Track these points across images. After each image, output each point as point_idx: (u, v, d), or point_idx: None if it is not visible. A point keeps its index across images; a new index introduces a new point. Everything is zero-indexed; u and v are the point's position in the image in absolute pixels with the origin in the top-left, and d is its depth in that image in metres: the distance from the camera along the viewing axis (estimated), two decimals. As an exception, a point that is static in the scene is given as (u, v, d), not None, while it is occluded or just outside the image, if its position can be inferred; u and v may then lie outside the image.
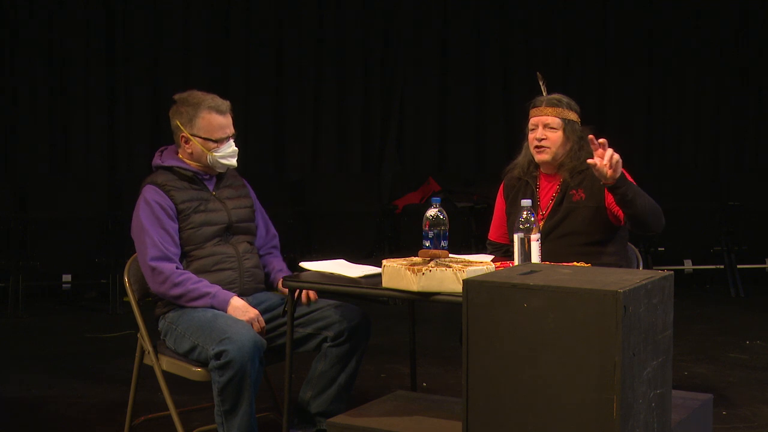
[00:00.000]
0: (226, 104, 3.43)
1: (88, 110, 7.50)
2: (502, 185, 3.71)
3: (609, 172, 3.13)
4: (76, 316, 6.62)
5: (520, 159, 3.63)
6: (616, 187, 3.19)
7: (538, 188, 3.57)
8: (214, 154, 3.40)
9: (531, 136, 3.54)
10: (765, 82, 8.35)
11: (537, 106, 3.54)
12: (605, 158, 3.13)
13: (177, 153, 3.47)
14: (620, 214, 3.39)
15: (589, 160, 3.21)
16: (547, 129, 3.49)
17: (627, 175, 3.26)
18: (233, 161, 3.45)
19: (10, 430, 3.99)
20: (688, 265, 7.42)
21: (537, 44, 8.27)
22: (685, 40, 8.28)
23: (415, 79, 8.15)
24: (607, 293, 2.15)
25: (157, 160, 3.46)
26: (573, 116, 3.53)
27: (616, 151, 3.23)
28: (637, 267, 3.62)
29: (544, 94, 3.61)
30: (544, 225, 3.48)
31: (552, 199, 3.52)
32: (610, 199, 3.41)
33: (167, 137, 3.55)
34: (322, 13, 7.95)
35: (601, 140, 3.15)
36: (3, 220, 6.73)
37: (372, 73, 8.10)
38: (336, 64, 7.98)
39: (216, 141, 3.40)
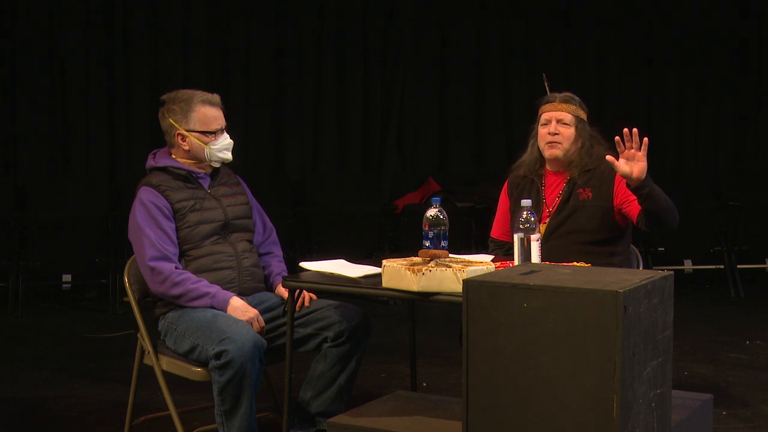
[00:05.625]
0: (216, 97, 3.46)
1: (88, 110, 7.51)
2: (506, 183, 3.70)
3: (635, 170, 3.13)
4: (76, 316, 6.62)
5: (526, 157, 3.63)
6: (641, 187, 3.20)
7: (544, 186, 3.57)
8: (212, 147, 3.41)
9: (543, 130, 3.53)
10: (765, 82, 8.35)
11: (550, 102, 3.54)
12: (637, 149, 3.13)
13: (170, 154, 3.48)
14: (629, 213, 3.39)
15: (608, 157, 3.20)
16: (560, 124, 3.50)
17: None
18: (228, 154, 3.47)
19: (10, 430, 3.99)
20: (688, 265, 7.42)
21: (537, 44, 8.27)
22: (685, 40, 8.28)
23: (415, 79, 8.16)
24: (607, 293, 2.15)
25: (150, 162, 3.47)
26: (584, 115, 3.55)
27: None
28: (637, 267, 3.62)
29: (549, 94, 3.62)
30: (549, 222, 3.48)
31: (558, 197, 3.51)
32: (618, 200, 3.41)
33: (166, 137, 3.56)
34: (322, 13, 7.95)
35: (634, 129, 3.15)
36: (3, 220, 6.73)
37: (372, 73, 8.10)
38: (336, 64, 7.98)
39: (213, 133, 3.41)
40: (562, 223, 3.46)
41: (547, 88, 3.68)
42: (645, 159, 3.16)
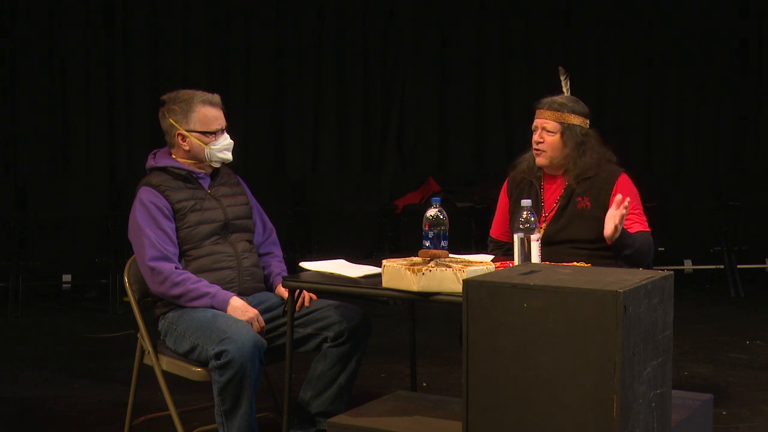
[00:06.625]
0: (216, 97, 3.47)
1: (88, 110, 7.50)
2: (505, 183, 3.69)
3: (610, 230, 3.19)
4: (76, 316, 6.62)
5: (528, 154, 3.62)
6: (614, 245, 3.28)
7: (543, 189, 3.56)
8: (212, 147, 3.41)
9: (532, 138, 3.54)
10: (765, 82, 8.35)
11: (539, 108, 3.52)
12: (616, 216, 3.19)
13: (170, 154, 3.48)
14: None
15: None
16: (544, 132, 3.48)
17: (637, 196, 3.28)
18: (229, 154, 3.47)
19: (10, 430, 3.99)
20: (688, 265, 7.42)
21: (537, 44, 8.27)
22: (685, 40, 8.28)
23: (415, 79, 8.15)
24: (607, 293, 2.15)
25: (150, 162, 3.47)
26: (576, 120, 3.48)
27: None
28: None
29: (565, 90, 3.59)
30: (547, 228, 3.46)
31: (556, 203, 3.50)
32: None
33: (166, 137, 3.56)
34: (322, 13, 7.95)
35: (626, 202, 3.20)
36: (3, 220, 6.73)
37: (372, 73, 8.10)
38: (336, 64, 7.98)
39: (213, 133, 3.42)
40: (560, 230, 3.46)
41: (563, 83, 3.64)
42: (618, 222, 3.19)
